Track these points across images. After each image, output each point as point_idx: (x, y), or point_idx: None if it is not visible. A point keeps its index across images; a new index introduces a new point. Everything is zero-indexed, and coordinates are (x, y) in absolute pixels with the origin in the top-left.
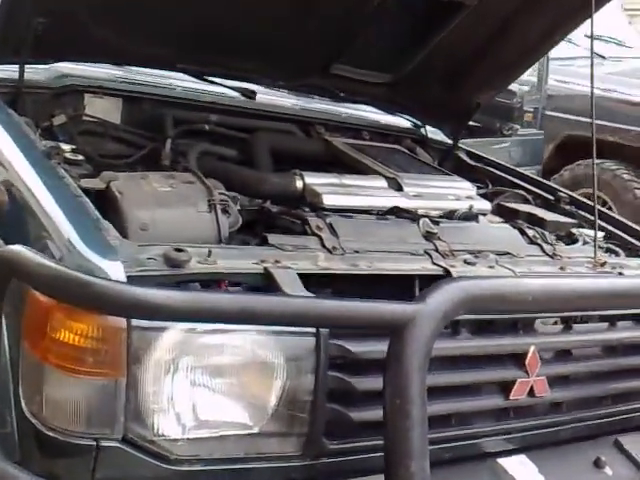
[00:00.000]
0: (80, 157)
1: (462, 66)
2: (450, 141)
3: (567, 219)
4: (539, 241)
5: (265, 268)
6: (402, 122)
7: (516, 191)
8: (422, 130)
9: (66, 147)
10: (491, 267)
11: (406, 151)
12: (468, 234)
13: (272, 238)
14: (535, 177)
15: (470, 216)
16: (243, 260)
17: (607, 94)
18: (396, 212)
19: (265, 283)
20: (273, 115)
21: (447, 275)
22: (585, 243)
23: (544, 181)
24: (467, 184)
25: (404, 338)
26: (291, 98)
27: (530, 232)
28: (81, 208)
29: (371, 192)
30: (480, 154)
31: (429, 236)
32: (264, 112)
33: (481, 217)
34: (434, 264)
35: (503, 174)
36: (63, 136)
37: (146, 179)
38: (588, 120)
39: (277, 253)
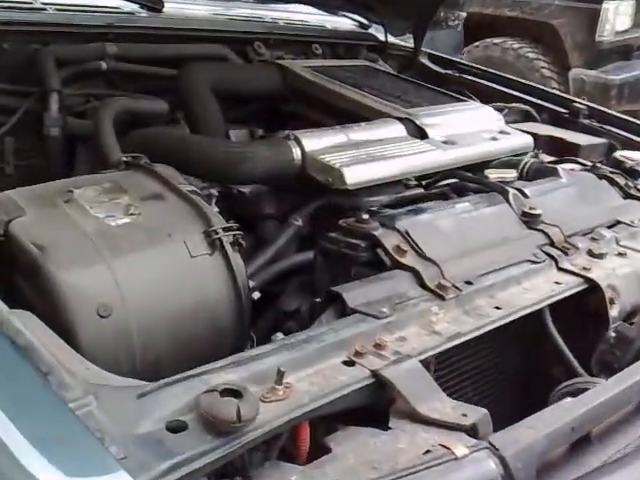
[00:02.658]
0: None
1: None
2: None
3: (599, 139)
4: (633, 191)
5: (374, 373)
6: (346, 24)
7: (515, 105)
8: (372, 32)
9: None
10: (621, 255)
11: (380, 67)
12: (561, 201)
13: (348, 295)
14: (531, 83)
15: (543, 169)
16: (331, 369)
17: None
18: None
19: (377, 398)
20: (193, 34)
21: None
22: None
23: (546, 89)
24: (489, 110)
25: None
26: (201, 3)
27: (620, 180)
28: None
29: (394, 148)
30: (446, 57)
31: (531, 220)
32: (181, 31)
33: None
34: (561, 270)
35: (486, 82)
36: None
37: (73, 203)
38: None
39: (370, 328)
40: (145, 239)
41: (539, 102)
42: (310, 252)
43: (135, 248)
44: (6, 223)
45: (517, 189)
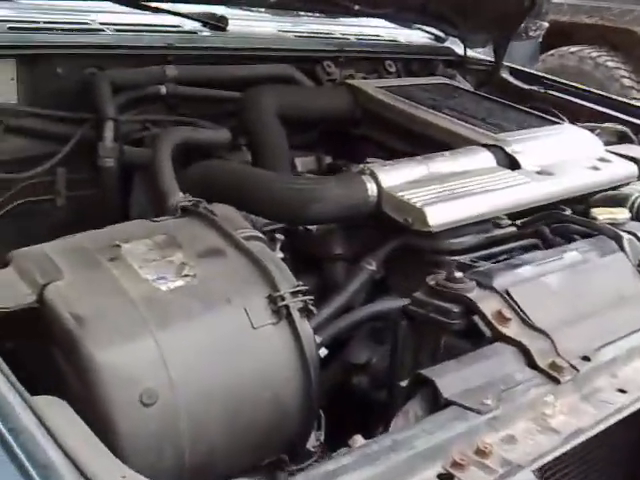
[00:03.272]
0: None
1: None
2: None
3: None
4: None
5: None
6: (421, 38)
7: (609, 125)
8: (448, 45)
9: None
10: None
11: (460, 85)
12: None
13: (442, 382)
14: (622, 99)
15: None
16: None
17: None
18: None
19: None
20: (258, 54)
21: None
22: None
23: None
24: (586, 134)
25: None
26: (266, 19)
27: None
28: None
29: (482, 181)
30: (531, 71)
31: None
32: (246, 50)
33: None
34: None
35: (574, 99)
36: None
37: (120, 262)
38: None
39: (471, 428)
40: (200, 307)
41: (635, 121)
42: (386, 301)
43: (188, 318)
44: (41, 287)
45: (632, 233)
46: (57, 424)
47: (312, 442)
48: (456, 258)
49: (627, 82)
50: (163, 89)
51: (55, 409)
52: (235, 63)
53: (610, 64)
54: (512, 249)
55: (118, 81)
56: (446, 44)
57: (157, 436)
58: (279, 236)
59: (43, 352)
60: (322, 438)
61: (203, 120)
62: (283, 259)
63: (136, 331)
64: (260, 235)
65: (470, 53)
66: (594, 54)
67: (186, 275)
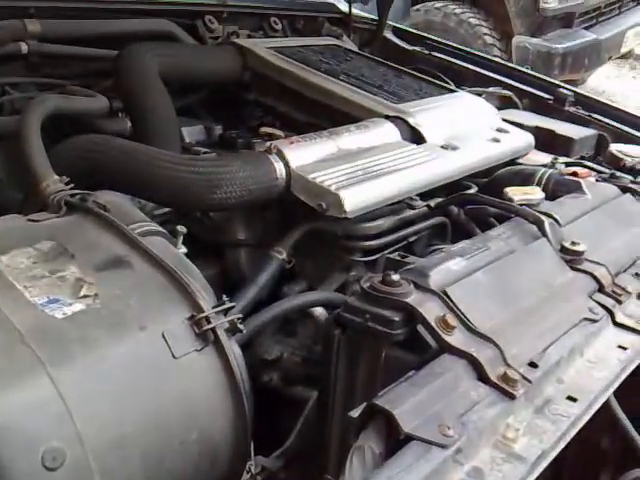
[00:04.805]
0: None
1: None
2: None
3: (588, 130)
4: None
5: None
6: None
7: (495, 90)
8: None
9: None
10: None
11: (351, 47)
12: (593, 227)
13: (401, 413)
14: (505, 62)
15: (564, 183)
16: None
17: None
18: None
19: None
20: (134, 7)
21: None
22: None
23: (528, 71)
24: (483, 103)
25: None
26: None
27: None
28: None
29: (391, 158)
30: (413, 31)
31: (574, 259)
32: (120, 3)
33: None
34: (618, 325)
35: (460, 62)
36: None
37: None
38: None
39: (436, 466)
40: (106, 337)
41: (519, 86)
42: (307, 295)
43: (93, 353)
44: None
45: (548, 215)
46: None
47: (244, 477)
48: (368, 243)
49: (489, 39)
50: (24, 47)
51: None
52: (107, 17)
53: (473, 21)
54: (420, 230)
55: None
56: (328, 0)
57: None
58: (181, 228)
59: None
60: (253, 469)
61: (72, 83)
62: (186, 255)
63: (28, 375)
64: (160, 229)
65: (354, 11)
66: (458, 10)
67: (85, 296)
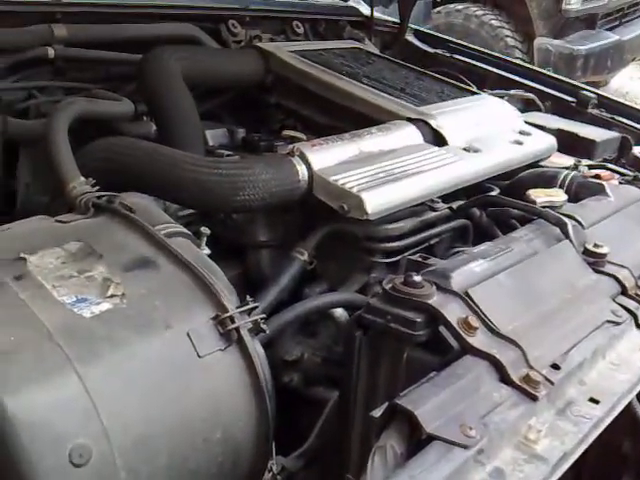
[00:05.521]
0: None
1: None
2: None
3: (611, 133)
4: None
5: None
6: None
7: (517, 93)
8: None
9: None
10: None
11: (373, 50)
12: (616, 229)
13: (423, 414)
14: (527, 65)
15: (587, 185)
16: None
17: None
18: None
19: None
20: (158, 12)
21: None
22: None
23: (550, 73)
24: (505, 105)
25: None
26: None
27: None
28: None
29: (413, 161)
30: (436, 34)
31: (597, 261)
32: (144, 8)
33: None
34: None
35: (480, 64)
36: None
37: (28, 280)
38: None
39: (458, 467)
40: (133, 336)
41: (542, 88)
42: (329, 295)
43: (120, 352)
44: None
45: (571, 217)
46: None
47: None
48: (390, 245)
49: (511, 41)
50: (51, 51)
51: None
52: (132, 22)
53: (494, 23)
54: (442, 232)
55: None
56: (351, 4)
57: None
58: (205, 230)
59: None
60: (275, 468)
61: (97, 87)
62: (209, 255)
63: (57, 372)
64: (184, 230)
65: (375, 14)
66: (479, 12)
67: (112, 295)
